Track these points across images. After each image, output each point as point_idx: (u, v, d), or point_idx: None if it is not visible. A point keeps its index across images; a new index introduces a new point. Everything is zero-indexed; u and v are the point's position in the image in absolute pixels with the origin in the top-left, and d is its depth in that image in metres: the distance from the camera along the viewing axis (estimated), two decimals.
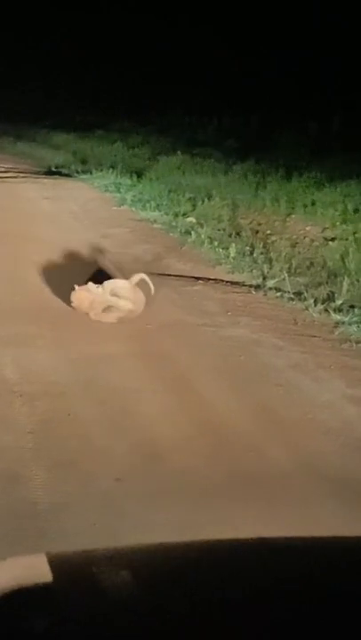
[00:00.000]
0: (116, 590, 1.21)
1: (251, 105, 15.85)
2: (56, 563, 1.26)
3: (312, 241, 8.16)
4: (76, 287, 5.56)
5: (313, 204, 9.38)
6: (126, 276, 5.82)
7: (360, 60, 14.33)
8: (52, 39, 24.07)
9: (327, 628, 1.15)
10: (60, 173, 13.34)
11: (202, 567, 1.32)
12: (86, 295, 5.53)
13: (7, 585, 1.18)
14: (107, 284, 5.61)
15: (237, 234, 8.46)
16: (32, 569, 1.25)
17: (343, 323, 5.65)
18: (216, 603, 1.20)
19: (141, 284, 5.68)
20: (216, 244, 7.97)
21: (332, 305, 6.00)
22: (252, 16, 18.44)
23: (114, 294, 5.52)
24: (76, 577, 1.26)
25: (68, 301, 5.59)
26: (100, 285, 5.57)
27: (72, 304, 5.55)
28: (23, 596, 1.16)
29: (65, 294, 5.65)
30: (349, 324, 5.62)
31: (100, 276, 5.95)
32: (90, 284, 5.59)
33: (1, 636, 1.09)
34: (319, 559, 1.38)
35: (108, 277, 5.92)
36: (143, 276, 5.73)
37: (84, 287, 5.56)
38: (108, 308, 5.50)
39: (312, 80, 15.49)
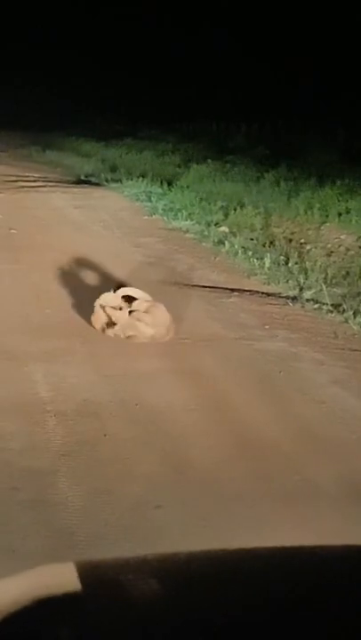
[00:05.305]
0: (145, 598, 1.19)
1: (278, 110, 15.70)
2: (84, 571, 1.25)
3: (347, 250, 7.98)
4: (96, 307, 5.39)
5: (347, 211, 9.19)
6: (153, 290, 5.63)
7: None
8: (76, 48, 24.13)
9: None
10: (89, 182, 13.28)
11: (234, 576, 1.28)
12: (104, 316, 5.35)
13: (36, 593, 1.17)
14: (126, 305, 5.40)
15: (271, 243, 8.29)
16: (61, 577, 1.24)
17: None
18: (250, 611, 1.16)
19: (166, 299, 5.50)
20: (250, 253, 7.81)
21: None
22: (281, 22, 18.34)
23: (136, 319, 5.30)
24: (104, 585, 1.24)
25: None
26: (119, 304, 5.38)
27: (94, 324, 5.39)
28: (52, 605, 1.15)
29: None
30: None
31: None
32: (108, 307, 5.37)
33: None
34: (354, 569, 1.32)
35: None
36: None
37: (103, 308, 5.37)
38: (131, 337, 5.30)
39: (340, 84, 15.38)
